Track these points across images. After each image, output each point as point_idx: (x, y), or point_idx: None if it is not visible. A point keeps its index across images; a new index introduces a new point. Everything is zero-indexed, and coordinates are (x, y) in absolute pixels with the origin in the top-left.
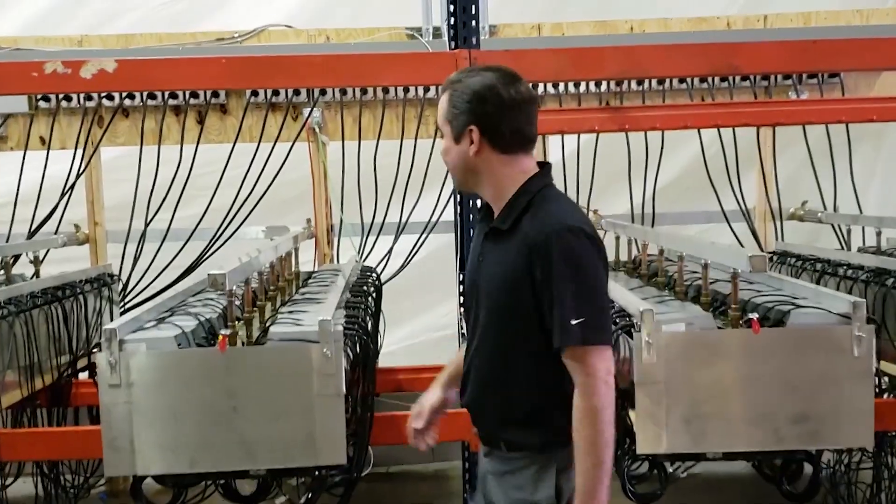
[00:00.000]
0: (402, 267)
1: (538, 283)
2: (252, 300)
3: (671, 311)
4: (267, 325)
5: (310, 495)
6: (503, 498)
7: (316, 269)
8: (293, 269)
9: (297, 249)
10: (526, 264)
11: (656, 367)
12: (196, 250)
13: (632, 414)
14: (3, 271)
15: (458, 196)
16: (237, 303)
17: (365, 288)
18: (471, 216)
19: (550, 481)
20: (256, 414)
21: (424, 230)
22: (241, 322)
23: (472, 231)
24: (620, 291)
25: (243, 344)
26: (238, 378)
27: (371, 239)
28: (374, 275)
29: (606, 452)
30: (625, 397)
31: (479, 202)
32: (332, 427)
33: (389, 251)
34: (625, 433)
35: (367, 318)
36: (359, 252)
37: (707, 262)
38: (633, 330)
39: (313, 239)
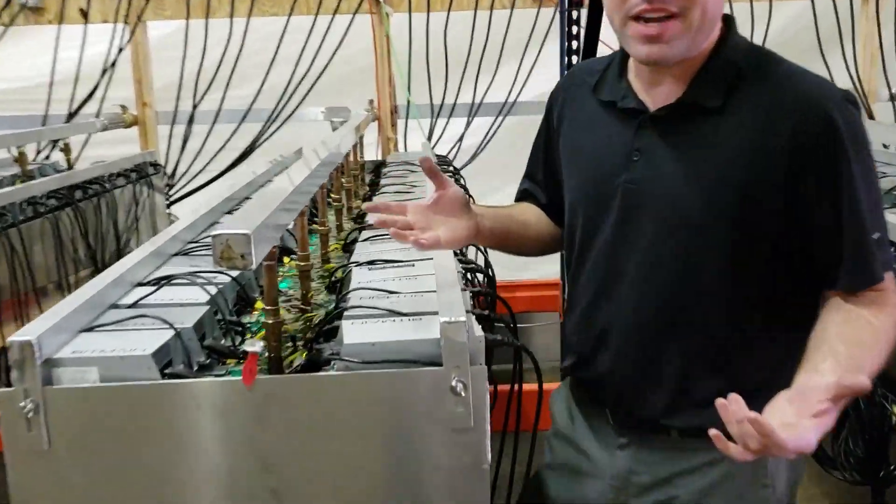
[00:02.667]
0: (475, 155)
1: (807, 186)
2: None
3: None
4: (335, 297)
5: None
6: None
7: (385, 161)
8: (359, 159)
9: (361, 138)
10: (779, 159)
11: None
12: (251, 133)
13: None
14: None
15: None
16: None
17: None
18: None
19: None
20: None
21: (500, 112)
22: (291, 270)
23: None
24: None
25: (293, 342)
26: (283, 439)
27: (439, 122)
28: (454, 171)
29: None
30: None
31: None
32: None
33: (461, 137)
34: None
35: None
36: (429, 137)
37: None
38: None
39: (376, 122)
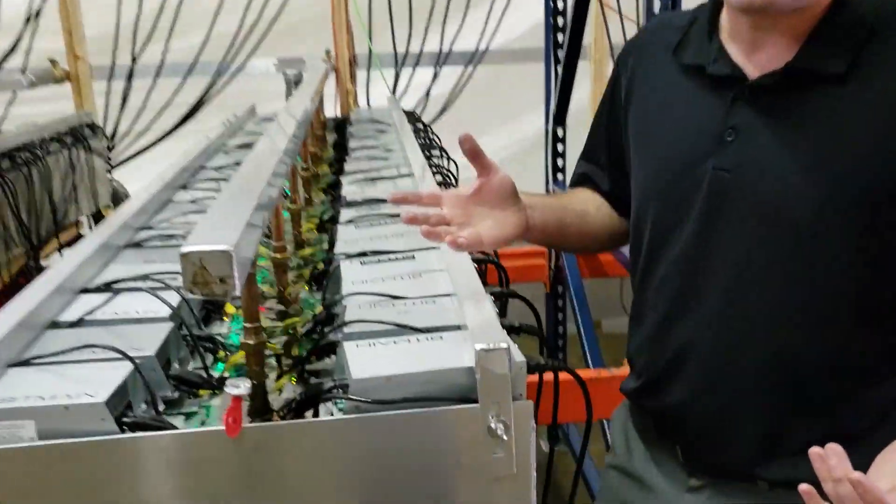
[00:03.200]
0: (445, 108)
1: None
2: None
3: None
4: (320, 294)
5: None
6: None
7: (348, 118)
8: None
9: (323, 97)
10: None
11: None
12: (197, 88)
13: None
14: None
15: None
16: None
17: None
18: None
19: None
20: None
21: (470, 61)
22: (261, 258)
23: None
24: None
25: (278, 362)
26: (278, 500)
27: (404, 72)
28: (423, 126)
29: None
30: None
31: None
32: None
33: (429, 89)
34: None
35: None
36: (393, 90)
37: None
38: None
39: (333, 73)
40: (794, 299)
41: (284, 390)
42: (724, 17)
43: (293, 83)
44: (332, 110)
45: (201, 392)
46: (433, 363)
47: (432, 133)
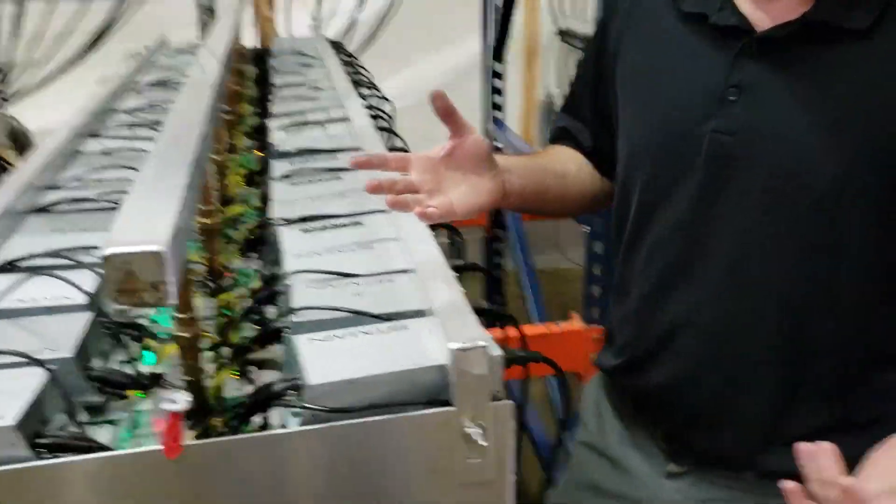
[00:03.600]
0: (372, 37)
1: None
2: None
3: None
4: (257, 263)
5: None
6: None
7: (268, 49)
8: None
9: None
10: None
11: None
12: (100, 13)
13: None
14: None
15: None
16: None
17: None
18: None
19: None
20: None
21: None
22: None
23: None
24: None
25: (214, 353)
26: None
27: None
28: (347, 56)
29: None
30: None
31: None
32: None
33: (356, 20)
34: None
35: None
36: (315, 17)
37: None
38: None
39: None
40: (808, 272)
41: (223, 387)
42: None
43: (206, 9)
44: (248, 40)
45: (129, 393)
46: (401, 362)
47: (360, 66)
